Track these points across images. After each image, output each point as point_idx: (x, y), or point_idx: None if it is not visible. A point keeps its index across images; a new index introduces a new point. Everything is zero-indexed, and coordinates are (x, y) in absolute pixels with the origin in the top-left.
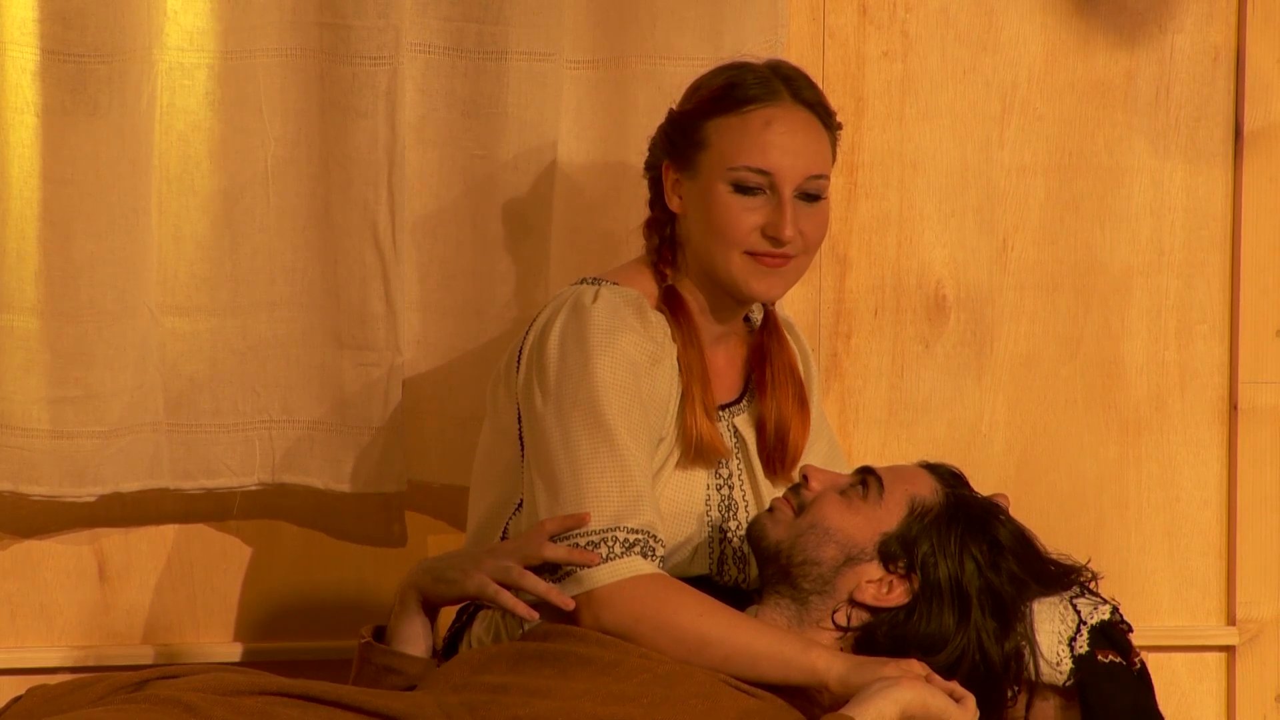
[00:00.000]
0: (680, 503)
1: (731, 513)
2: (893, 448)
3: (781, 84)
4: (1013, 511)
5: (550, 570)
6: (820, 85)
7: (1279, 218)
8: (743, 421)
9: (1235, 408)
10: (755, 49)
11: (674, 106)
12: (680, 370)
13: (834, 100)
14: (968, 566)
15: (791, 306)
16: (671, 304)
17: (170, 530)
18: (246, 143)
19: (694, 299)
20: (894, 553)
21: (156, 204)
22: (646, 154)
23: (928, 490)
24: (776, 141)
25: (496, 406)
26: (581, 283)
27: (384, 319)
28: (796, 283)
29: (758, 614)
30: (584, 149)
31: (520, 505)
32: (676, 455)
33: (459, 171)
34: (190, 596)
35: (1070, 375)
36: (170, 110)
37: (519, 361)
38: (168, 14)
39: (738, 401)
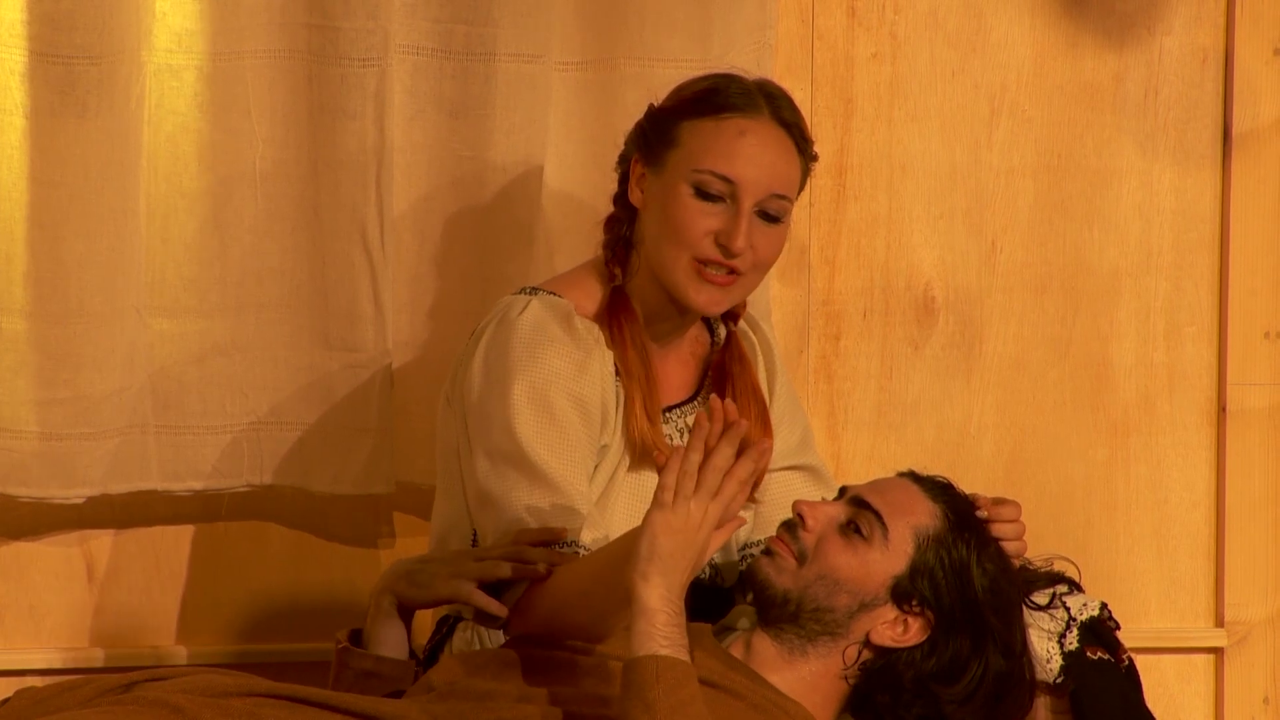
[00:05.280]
0: (636, 508)
1: None
2: (881, 449)
3: (764, 100)
4: None
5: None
6: (810, 87)
7: (1267, 219)
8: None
9: (1224, 410)
10: (744, 50)
11: (654, 102)
12: (619, 374)
13: (823, 102)
14: (978, 584)
15: (780, 308)
16: (616, 306)
17: (159, 532)
18: (235, 144)
19: (642, 300)
20: (906, 592)
21: (145, 206)
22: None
23: (926, 515)
24: (746, 152)
25: (445, 420)
26: (520, 292)
27: (372, 320)
28: (740, 300)
29: (752, 639)
30: (573, 150)
31: None
32: (628, 461)
33: (447, 173)
34: (179, 598)
35: (1059, 377)
36: (159, 112)
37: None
38: (156, 16)
39: (691, 400)
